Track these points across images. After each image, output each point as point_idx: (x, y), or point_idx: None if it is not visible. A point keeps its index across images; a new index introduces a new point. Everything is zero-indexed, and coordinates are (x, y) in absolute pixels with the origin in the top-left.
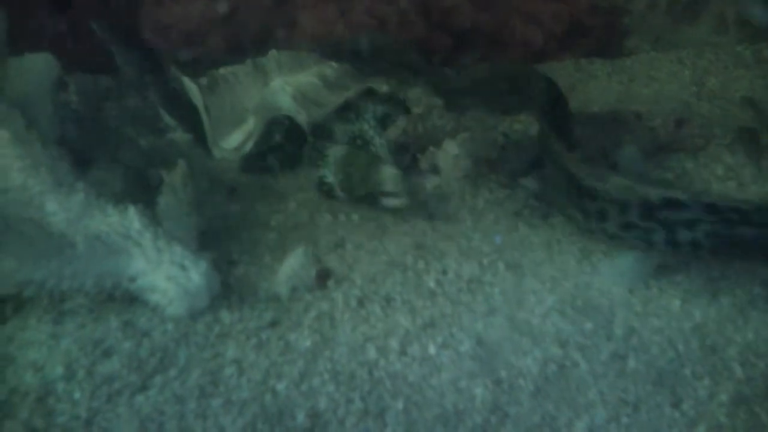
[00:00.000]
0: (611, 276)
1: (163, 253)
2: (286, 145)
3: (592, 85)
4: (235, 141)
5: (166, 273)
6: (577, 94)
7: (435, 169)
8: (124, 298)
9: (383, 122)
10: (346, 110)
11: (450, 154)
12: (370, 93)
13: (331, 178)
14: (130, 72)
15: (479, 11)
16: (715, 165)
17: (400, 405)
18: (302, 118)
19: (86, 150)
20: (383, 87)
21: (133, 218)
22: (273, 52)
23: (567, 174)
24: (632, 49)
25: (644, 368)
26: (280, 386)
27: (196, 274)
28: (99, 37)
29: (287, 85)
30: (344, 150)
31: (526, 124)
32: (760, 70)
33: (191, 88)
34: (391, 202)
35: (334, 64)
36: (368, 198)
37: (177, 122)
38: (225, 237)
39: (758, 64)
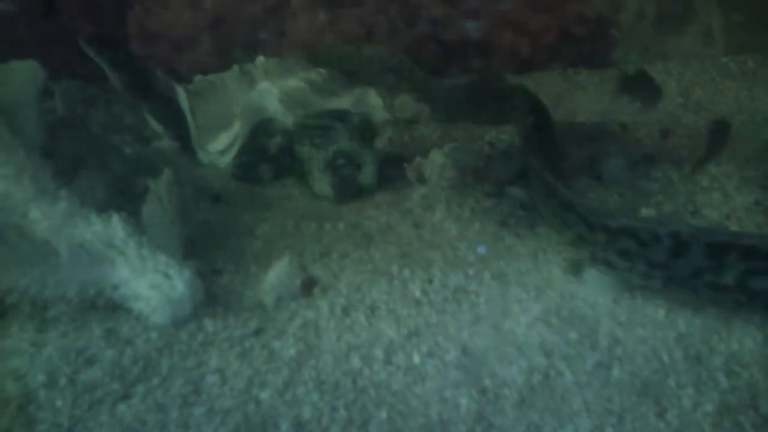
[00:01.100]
0: (596, 286)
1: (146, 261)
2: (280, 155)
3: (579, 96)
4: (221, 144)
5: (150, 281)
6: (564, 104)
7: (421, 179)
8: (108, 307)
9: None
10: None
11: (436, 163)
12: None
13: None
14: (118, 84)
15: (468, 21)
16: (700, 176)
17: (384, 414)
18: (289, 120)
19: (71, 158)
20: (371, 94)
21: (117, 226)
22: (260, 59)
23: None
24: (619, 60)
25: (629, 378)
26: (264, 395)
27: (180, 282)
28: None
29: (274, 88)
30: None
31: (511, 134)
32: (746, 81)
33: (179, 93)
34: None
35: (321, 70)
36: None
37: (165, 129)
38: (210, 245)
39: (744, 75)
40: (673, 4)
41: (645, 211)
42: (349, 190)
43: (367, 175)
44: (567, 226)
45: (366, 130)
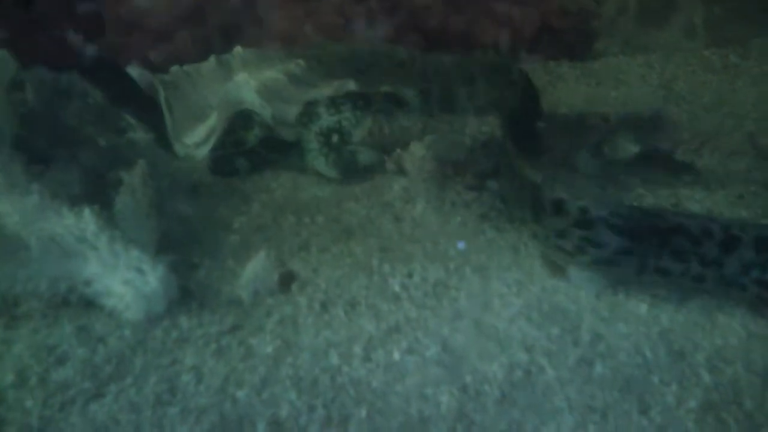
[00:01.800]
0: (578, 280)
1: (119, 256)
2: (259, 148)
3: (560, 88)
4: (198, 136)
5: (123, 277)
6: (545, 96)
7: (402, 171)
8: (80, 303)
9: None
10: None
11: (416, 155)
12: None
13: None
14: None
15: (449, 12)
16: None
17: (363, 412)
18: (267, 112)
19: (43, 150)
20: (350, 85)
21: (89, 220)
22: (238, 49)
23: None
24: (601, 53)
25: (611, 374)
26: (240, 393)
27: (154, 277)
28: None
29: (252, 79)
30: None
31: (493, 126)
32: (728, 74)
33: (154, 85)
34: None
35: (301, 61)
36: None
37: (141, 122)
38: (186, 239)
39: (725, 68)
40: None
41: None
42: (351, 167)
43: (364, 153)
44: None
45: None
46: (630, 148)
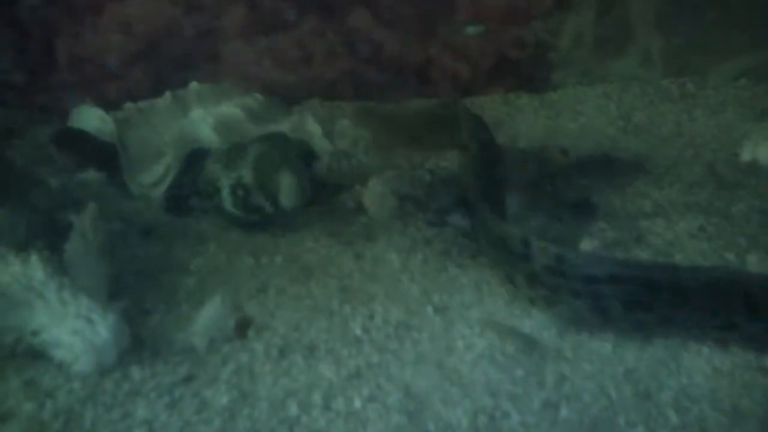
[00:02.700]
0: (541, 320)
1: (68, 305)
2: None
3: (519, 120)
4: (154, 176)
5: (72, 327)
6: (504, 128)
7: (361, 208)
8: (27, 354)
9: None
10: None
11: (376, 192)
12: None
13: (247, 179)
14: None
15: (407, 45)
16: (642, 201)
17: None
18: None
19: None
20: (309, 121)
21: (36, 267)
22: (194, 84)
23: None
24: (559, 84)
25: (577, 417)
26: None
27: (104, 327)
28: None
29: (208, 115)
30: (261, 149)
31: (452, 162)
32: (685, 104)
33: (107, 122)
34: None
35: (258, 95)
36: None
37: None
38: (139, 283)
39: (683, 98)
40: (612, 27)
41: (588, 240)
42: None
43: (288, 195)
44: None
45: (300, 155)
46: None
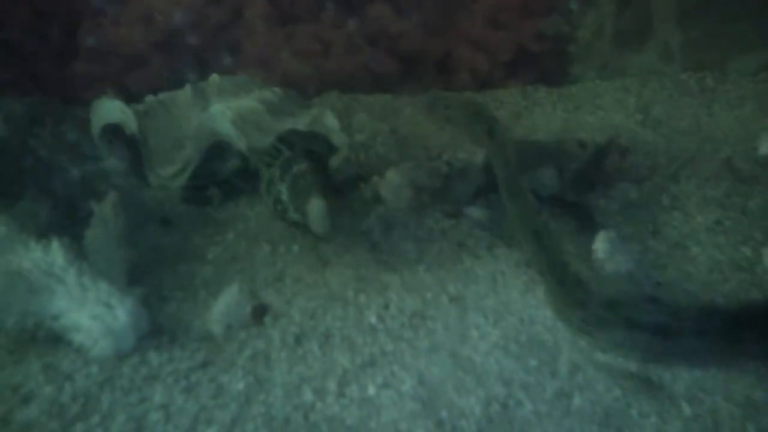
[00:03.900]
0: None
1: (87, 290)
2: (232, 178)
3: (537, 113)
4: (173, 168)
5: (91, 311)
6: (522, 121)
7: (378, 199)
8: (47, 339)
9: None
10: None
11: (393, 183)
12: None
13: (285, 196)
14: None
15: (427, 38)
16: (659, 195)
17: None
18: (242, 144)
19: (12, 180)
20: (328, 115)
21: (57, 253)
22: (214, 77)
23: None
24: (578, 77)
25: (590, 407)
26: None
27: (122, 312)
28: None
29: (227, 109)
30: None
31: (470, 153)
32: (704, 98)
33: (127, 114)
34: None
35: (276, 89)
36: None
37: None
38: (158, 271)
39: (702, 92)
40: (631, 21)
41: (603, 233)
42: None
43: (316, 223)
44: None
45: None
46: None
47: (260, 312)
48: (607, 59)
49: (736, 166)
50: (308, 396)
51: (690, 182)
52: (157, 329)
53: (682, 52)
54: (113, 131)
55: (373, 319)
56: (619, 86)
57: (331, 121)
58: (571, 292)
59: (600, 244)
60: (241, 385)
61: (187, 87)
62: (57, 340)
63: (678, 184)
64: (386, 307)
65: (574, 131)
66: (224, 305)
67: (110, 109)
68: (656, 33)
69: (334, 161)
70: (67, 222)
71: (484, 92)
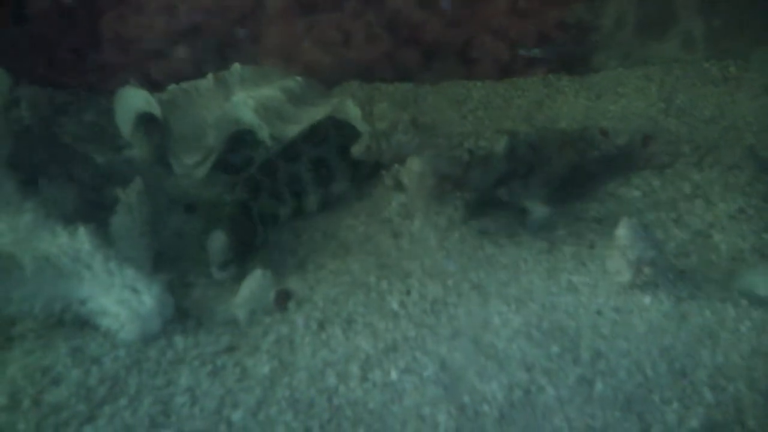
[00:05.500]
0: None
1: (114, 275)
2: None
3: (560, 101)
4: (197, 156)
5: (118, 296)
6: (544, 110)
7: (399, 187)
8: (75, 323)
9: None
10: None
11: (414, 171)
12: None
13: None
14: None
15: (447, 26)
16: (682, 183)
17: None
18: (265, 132)
19: (38, 168)
20: (349, 104)
21: (84, 239)
22: (236, 66)
23: None
24: (600, 66)
25: (612, 393)
26: (236, 416)
27: (149, 297)
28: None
29: (249, 98)
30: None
31: (491, 141)
32: (728, 87)
33: (151, 103)
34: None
35: (298, 78)
36: None
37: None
38: (183, 257)
39: (726, 81)
40: (654, 9)
41: (626, 220)
42: None
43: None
44: None
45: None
46: None
47: (284, 298)
48: (629, 48)
49: (759, 154)
50: (332, 380)
51: (713, 170)
52: (183, 314)
53: (704, 41)
54: (141, 120)
55: (395, 306)
56: (641, 75)
57: (353, 110)
58: None
59: (622, 230)
60: (266, 369)
61: (209, 76)
62: (84, 324)
63: (701, 172)
64: (408, 293)
65: (597, 119)
66: (248, 291)
67: (134, 98)
68: (679, 21)
69: (356, 149)
70: (92, 209)
71: (506, 81)
